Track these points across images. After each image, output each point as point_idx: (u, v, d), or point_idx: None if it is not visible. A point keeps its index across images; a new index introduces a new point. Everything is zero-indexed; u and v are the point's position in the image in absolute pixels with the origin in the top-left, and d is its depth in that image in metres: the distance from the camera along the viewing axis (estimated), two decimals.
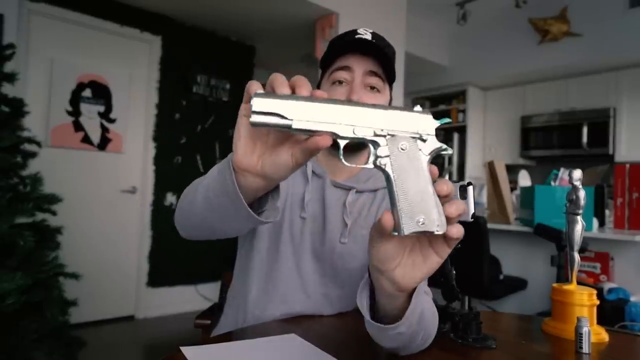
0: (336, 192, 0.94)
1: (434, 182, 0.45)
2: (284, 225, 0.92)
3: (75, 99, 3.15)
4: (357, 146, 0.91)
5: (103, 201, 3.31)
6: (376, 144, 0.45)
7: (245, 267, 0.97)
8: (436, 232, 0.43)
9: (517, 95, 4.93)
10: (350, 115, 0.44)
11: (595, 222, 2.39)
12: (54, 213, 2.11)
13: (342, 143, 0.45)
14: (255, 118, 0.43)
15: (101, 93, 3.28)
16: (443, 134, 5.28)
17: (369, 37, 0.87)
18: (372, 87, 0.88)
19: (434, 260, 0.48)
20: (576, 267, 0.90)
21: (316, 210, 0.93)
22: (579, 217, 0.88)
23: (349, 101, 0.45)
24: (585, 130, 4.33)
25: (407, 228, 0.43)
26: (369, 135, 0.45)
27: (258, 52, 4.21)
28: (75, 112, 3.15)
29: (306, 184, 0.94)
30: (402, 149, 0.45)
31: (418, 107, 0.47)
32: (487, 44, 4.70)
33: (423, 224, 0.43)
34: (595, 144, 4.28)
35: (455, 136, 5.12)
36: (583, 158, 4.38)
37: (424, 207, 0.43)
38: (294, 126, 0.43)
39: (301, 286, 0.92)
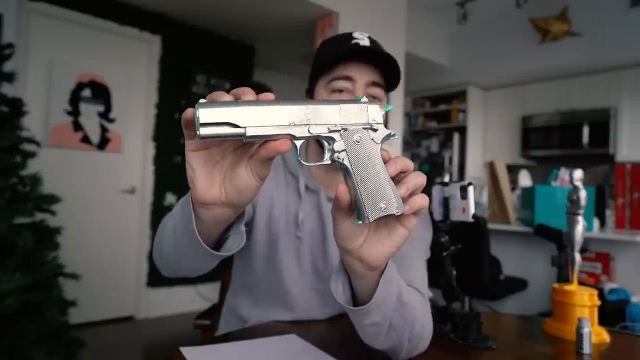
0: None
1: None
2: (280, 246, 0.90)
3: (75, 99, 3.15)
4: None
5: (102, 201, 3.30)
6: (332, 140, 0.46)
7: (243, 286, 0.96)
8: (396, 214, 0.45)
9: (518, 95, 4.92)
10: (302, 114, 0.44)
11: (596, 222, 2.39)
12: (53, 213, 2.11)
13: (299, 144, 0.45)
14: (204, 131, 0.40)
15: (100, 93, 3.27)
16: (443, 134, 5.28)
17: (367, 42, 0.83)
18: (374, 98, 0.84)
19: (400, 232, 0.49)
20: (577, 268, 0.89)
21: (314, 227, 0.91)
22: (579, 217, 0.88)
23: (297, 101, 0.45)
24: (586, 130, 4.32)
25: (372, 215, 0.45)
26: (324, 132, 0.46)
27: (258, 52, 4.21)
28: (74, 112, 3.15)
29: (299, 201, 0.90)
30: (357, 141, 0.46)
31: (364, 99, 0.48)
32: (487, 44, 4.69)
33: (385, 209, 0.45)
34: (596, 143, 4.28)
35: (456, 136, 5.11)
36: (584, 158, 4.37)
37: (382, 193, 0.45)
38: (248, 133, 0.41)
39: (303, 306, 0.91)
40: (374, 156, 0.46)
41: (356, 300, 0.58)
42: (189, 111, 0.42)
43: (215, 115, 0.40)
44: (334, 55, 0.82)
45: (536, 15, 4.23)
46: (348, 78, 0.83)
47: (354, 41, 0.83)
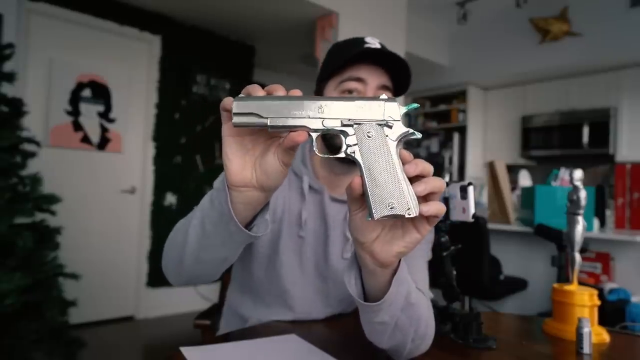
0: (335, 207, 0.91)
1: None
2: (282, 245, 0.90)
3: (75, 99, 3.15)
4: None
5: (102, 201, 3.30)
6: (345, 134, 0.48)
7: (244, 286, 0.96)
8: (407, 216, 0.44)
9: (518, 95, 4.92)
10: (317, 108, 0.47)
11: (596, 222, 2.39)
12: (53, 213, 2.11)
13: (315, 136, 0.48)
14: (236, 119, 0.47)
15: (100, 93, 3.27)
16: (443, 134, 5.28)
17: (379, 47, 0.84)
18: None
19: (414, 236, 0.49)
20: (577, 268, 0.90)
21: (317, 227, 0.91)
22: (579, 217, 0.88)
23: (317, 96, 0.48)
24: (585, 130, 4.32)
25: (378, 212, 0.44)
26: (337, 126, 0.47)
27: (258, 52, 4.21)
28: (74, 112, 3.15)
29: (302, 201, 0.91)
30: (369, 136, 0.47)
31: (384, 95, 0.49)
32: (487, 44, 4.69)
33: (393, 207, 0.44)
34: (595, 143, 4.27)
35: (456, 136, 5.11)
36: (584, 158, 4.37)
37: (393, 191, 0.45)
38: (269, 123, 0.47)
39: (304, 306, 0.90)
40: (387, 152, 0.46)
41: (366, 296, 0.58)
42: (229, 98, 0.49)
43: (245, 107, 0.47)
44: (350, 56, 0.82)
45: (536, 15, 4.22)
46: (359, 79, 0.83)
47: (366, 45, 0.84)
